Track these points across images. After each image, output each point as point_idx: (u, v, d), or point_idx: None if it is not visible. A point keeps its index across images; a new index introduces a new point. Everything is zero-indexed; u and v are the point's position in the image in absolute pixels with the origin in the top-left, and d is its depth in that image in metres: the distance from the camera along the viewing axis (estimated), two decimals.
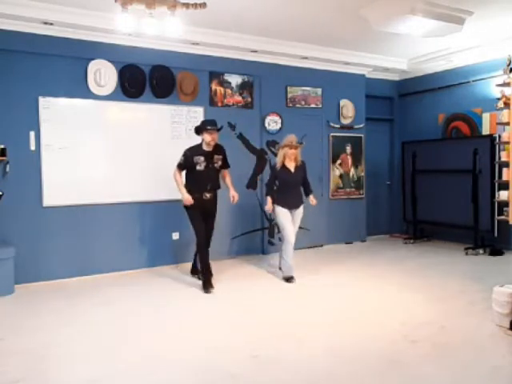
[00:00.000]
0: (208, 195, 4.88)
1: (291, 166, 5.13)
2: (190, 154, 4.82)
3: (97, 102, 5.53)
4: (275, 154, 6.79)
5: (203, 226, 4.87)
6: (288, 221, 5.06)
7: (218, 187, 5.04)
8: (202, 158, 4.81)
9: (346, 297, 4.53)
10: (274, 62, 6.67)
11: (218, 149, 4.95)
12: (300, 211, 5.18)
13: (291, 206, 5.10)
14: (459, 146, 6.87)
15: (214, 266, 6.04)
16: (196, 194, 4.80)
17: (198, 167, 4.81)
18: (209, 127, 4.80)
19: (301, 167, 5.18)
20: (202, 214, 4.87)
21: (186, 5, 4.01)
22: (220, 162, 4.95)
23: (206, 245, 4.92)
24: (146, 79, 5.81)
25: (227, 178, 5.12)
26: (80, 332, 3.72)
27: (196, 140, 6.55)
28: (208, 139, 4.81)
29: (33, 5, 4.77)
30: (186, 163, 4.84)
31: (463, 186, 6.67)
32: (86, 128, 5.46)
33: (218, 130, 4.90)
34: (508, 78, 5.41)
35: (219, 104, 6.36)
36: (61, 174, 5.31)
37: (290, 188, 5.13)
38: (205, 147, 4.86)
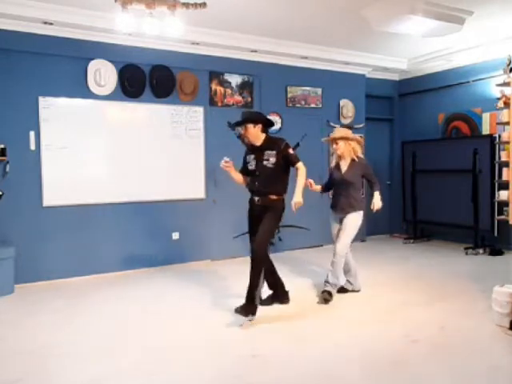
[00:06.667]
0: (257, 199, 4.06)
1: (343, 163, 4.53)
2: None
3: (97, 102, 5.52)
4: None
5: (251, 233, 4.11)
6: (332, 230, 4.59)
7: (272, 192, 4.00)
8: (250, 156, 4.14)
9: (345, 297, 4.52)
10: (273, 62, 6.67)
11: (272, 143, 4.05)
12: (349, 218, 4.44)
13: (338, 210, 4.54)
14: (459, 145, 6.87)
15: (215, 265, 6.06)
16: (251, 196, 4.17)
17: (249, 166, 4.15)
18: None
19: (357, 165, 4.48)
20: (252, 220, 4.12)
21: (186, 5, 4.01)
22: (273, 159, 3.97)
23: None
24: (146, 79, 5.81)
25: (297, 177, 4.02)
26: (80, 332, 3.72)
27: (195, 140, 6.53)
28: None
29: (32, 4, 4.77)
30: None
31: (463, 186, 6.66)
32: (86, 128, 5.45)
33: (233, 126, 4.31)
34: (508, 78, 5.40)
35: (219, 104, 6.35)
36: (61, 174, 5.31)
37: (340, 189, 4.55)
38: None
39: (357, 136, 4.63)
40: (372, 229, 7.86)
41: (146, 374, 2.97)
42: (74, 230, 5.41)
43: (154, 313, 4.17)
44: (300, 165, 3.99)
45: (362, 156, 4.54)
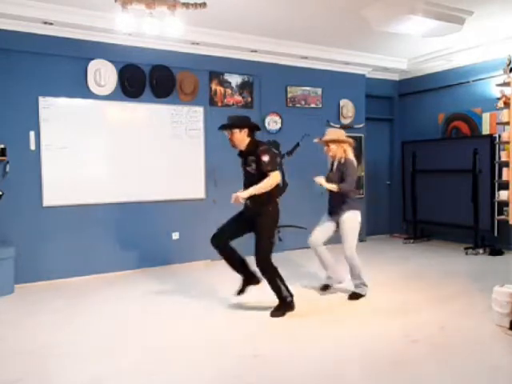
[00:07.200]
0: (247, 202, 4.00)
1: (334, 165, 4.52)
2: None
3: (97, 102, 5.52)
4: (275, 154, 6.78)
5: (230, 224, 4.15)
6: (320, 224, 4.58)
7: (259, 197, 3.91)
8: (240, 160, 4.16)
9: (345, 297, 4.52)
10: (274, 62, 6.67)
11: (253, 149, 3.98)
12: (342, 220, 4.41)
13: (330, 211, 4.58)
14: (459, 145, 6.86)
15: (215, 265, 6.05)
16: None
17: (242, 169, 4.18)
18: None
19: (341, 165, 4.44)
20: (241, 216, 4.14)
21: (186, 5, 4.02)
22: (254, 165, 3.96)
23: (218, 244, 4.10)
24: (146, 79, 5.81)
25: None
26: (80, 332, 3.72)
27: (195, 140, 6.53)
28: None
29: (32, 4, 4.77)
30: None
31: (463, 186, 6.66)
32: (86, 128, 5.45)
33: (223, 128, 4.11)
34: (508, 78, 5.40)
35: (219, 104, 6.35)
36: (61, 173, 5.31)
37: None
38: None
39: (349, 138, 4.56)
40: (372, 229, 7.86)
41: (146, 374, 2.97)
42: (74, 230, 5.41)
43: (153, 313, 4.17)
44: (272, 174, 3.86)
45: (351, 158, 4.46)
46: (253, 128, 4.10)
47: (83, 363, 3.14)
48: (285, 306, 4.01)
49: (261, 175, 3.90)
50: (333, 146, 4.45)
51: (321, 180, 4.32)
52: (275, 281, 4.00)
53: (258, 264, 3.95)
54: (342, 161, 4.43)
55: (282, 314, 3.97)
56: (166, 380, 2.92)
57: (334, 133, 4.57)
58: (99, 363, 3.13)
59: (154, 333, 3.69)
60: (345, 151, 4.45)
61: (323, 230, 4.54)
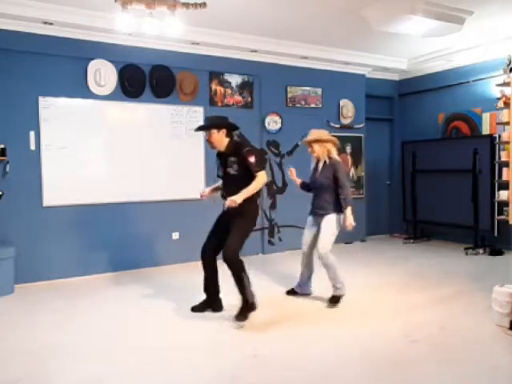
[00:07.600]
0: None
1: (320, 165, 4.44)
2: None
3: (97, 102, 5.52)
4: (275, 154, 6.81)
5: (215, 231, 4.14)
6: (306, 232, 4.55)
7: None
8: (218, 161, 4.13)
9: (346, 297, 4.52)
10: (273, 62, 6.68)
11: (234, 150, 3.94)
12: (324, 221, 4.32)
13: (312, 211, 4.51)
14: (459, 145, 6.87)
15: None
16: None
17: (219, 172, 4.14)
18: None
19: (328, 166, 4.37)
20: (222, 218, 4.09)
21: (186, 5, 4.02)
22: (235, 166, 3.91)
23: (206, 259, 4.17)
24: (146, 79, 5.81)
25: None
26: (80, 332, 3.72)
27: (195, 140, 6.51)
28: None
29: (32, 4, 4.77)
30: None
31: (463, 186, 6.67)
32: (86, 128, 5.46)
33: (201, 129, 4.19)
34: (508, 78, 5.40)
35: (219, 104, 6.36)
36: (61, 173, 5.31)
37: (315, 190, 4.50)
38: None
39: (332, 137, 4.49)
40: (372, 229, 7.87)
41: (146, 374, 2.97)
42: (74, 230, 5.42)
43: (153, 313, 4.17)
44: (260, 173, 3.86)
45: (335, 157, 4.41)
46: (231, 128, 4.05)
47: (83, 363, 3.14)
48: (248, 308, 3.86)
49: (243, 176, 3.85)
50: (316, 146, 4.37)
51: (351, 220, 4.19)
52: (241, 277, 3.84)
53: (226, 259, 3.79)
54: (328, 161, 4.35)
55: (246, 318, 3.83)
56: (166, 380, 2.92)
57: (315, 133, 4.45)
58: (99, 363, 3.14)
59: (154, 333, 3.70)
60: (328, 151, 4.37)
61: (311, 238, 4.49)
